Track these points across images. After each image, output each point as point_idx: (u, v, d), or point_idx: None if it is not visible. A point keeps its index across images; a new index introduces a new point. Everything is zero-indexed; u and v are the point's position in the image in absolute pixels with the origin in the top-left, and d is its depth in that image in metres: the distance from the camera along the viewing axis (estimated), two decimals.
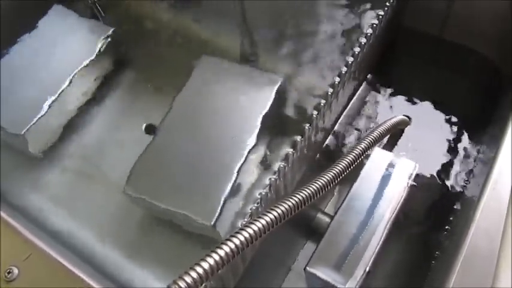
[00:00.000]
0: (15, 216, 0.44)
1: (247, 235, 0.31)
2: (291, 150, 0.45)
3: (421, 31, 0.68)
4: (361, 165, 0.52)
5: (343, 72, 0.50)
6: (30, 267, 0.39)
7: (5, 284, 0.38)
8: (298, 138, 0.45)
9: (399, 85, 0.68)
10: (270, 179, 0.43)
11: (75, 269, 0.40)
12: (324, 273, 0.46)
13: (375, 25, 0.53)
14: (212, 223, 0.40)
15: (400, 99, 0.67)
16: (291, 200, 0.35)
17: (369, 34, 0.52)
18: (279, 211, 0.34)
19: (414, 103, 0.67)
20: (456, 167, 0.61)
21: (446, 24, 0.65)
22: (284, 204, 0.34)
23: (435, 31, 0.67)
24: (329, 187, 0.38)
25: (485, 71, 0.66)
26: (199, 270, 0.29)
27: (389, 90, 0.68)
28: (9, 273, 0.39)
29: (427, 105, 0.66)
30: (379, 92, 0.68)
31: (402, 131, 0.63)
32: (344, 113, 0.61)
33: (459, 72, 0.69)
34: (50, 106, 0.49)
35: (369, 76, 0.68)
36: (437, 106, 0.66)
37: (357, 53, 0.51)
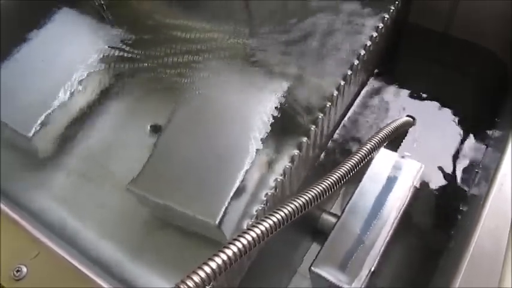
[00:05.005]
0: (23, 215, 0.44)
1: (254, 235, 0.31)
2: (297, 151, 0.45)
3: (427, 28, 0.67)
4: (366, 166, 0.52)
5: (349, 74, 0.50)
6: (39, 266, 0.40)
7: (14, 283, 0.39)
8: (304, 139, 0.46)
9: (404, 83, 0.68)
10: (276, 179, 0.44)
11: (82, 268, 0.40)
12: (328, 273, 0.46)
13: (380, 27, 0.53)
14: (217, 222, 0.40)
15: (405, 97, 0.67)
16: (297, 200, 0.35)
17: (374, 36, 0.53)
18: (286, 212, 0.34)
19: (420, 101, 0.66)
20: (462, 167, 0.60)
21: (452, 21, 0.65)
22: (291, 205, 0.35)
23: (441, 28, 0.66)
24: (335, 188, 0.39)
25: (492, 70, 0.66)
26: (207, 269, 0.29)
27: (394, 89, 0.68)
28: (18, 271, 0.39)
29: (432, 104, 0.66)
30: (384, 90, 0.68)
31: (406, 131, 0.63)
32: (349, 112, 0.61)
33: (465, 70, 0.68)
34: (56, 107, 0.49)
35: (374, 74, 0.68)
36: (442, 105, 0.65)
37: (362, 55, 0.51)
